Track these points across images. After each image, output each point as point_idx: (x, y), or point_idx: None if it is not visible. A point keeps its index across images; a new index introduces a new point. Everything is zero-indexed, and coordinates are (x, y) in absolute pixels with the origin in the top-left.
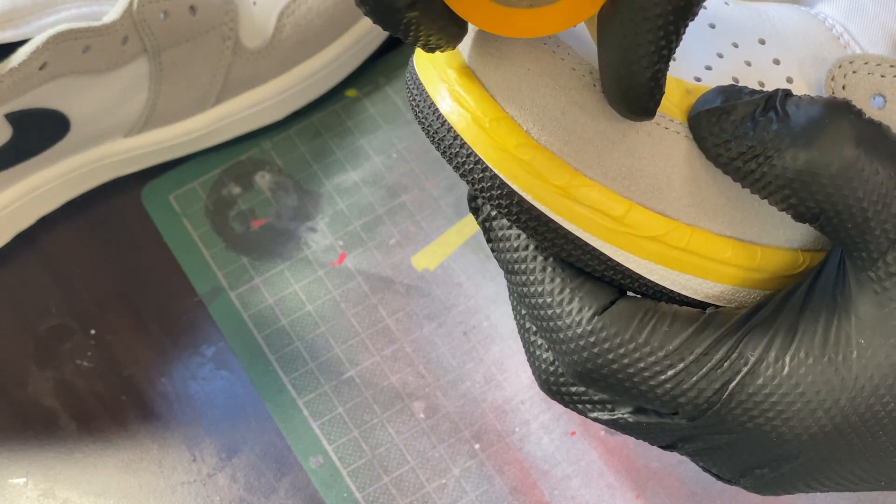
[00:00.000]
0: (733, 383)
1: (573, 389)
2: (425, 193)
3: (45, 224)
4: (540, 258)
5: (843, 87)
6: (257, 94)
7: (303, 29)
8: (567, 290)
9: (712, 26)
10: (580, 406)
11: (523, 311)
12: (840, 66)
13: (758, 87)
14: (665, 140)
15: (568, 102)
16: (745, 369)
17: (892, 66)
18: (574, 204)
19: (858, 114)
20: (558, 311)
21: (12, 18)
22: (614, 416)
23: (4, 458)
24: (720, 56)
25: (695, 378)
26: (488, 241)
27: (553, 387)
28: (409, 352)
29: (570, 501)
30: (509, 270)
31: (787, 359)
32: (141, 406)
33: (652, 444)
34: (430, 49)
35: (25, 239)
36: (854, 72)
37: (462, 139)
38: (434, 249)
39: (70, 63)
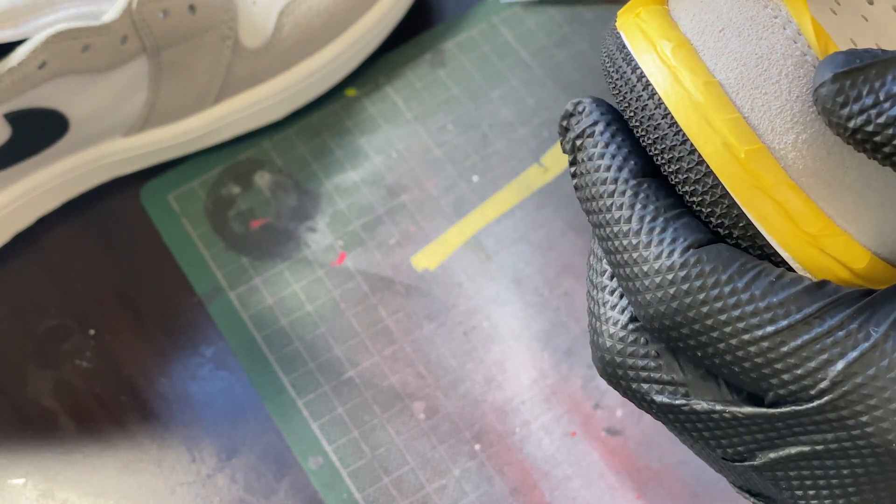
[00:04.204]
0: (849, 358)
1: (641, 363)
2: (425, 193)
3: (44, 224)
4: (632, 182)
5: None
6: (257, 93)
7: (302, 28)
8: (660, 220)
9: None
10: (645, 386)
11: (600, 254)
12: None
13: None
14: None
15: (838, 139)
16: (866, 344)
17: None
18: (819, 253)
19: None
20: (646, 239)
21: (11, 18)
22: (687, 402)
23: (4, 459)
24: None
25: (800, 341)
26: (572, 164)
27: (618, 358)
28: (409, 352)
29: (571, 502)
30: (591, 197)
31: None
32: (140, 406)
33: (720, 455)
34: None
35: (24, 239)
36: None
37: (708, 166)
38: (434, 249)
39: (69, 62)
